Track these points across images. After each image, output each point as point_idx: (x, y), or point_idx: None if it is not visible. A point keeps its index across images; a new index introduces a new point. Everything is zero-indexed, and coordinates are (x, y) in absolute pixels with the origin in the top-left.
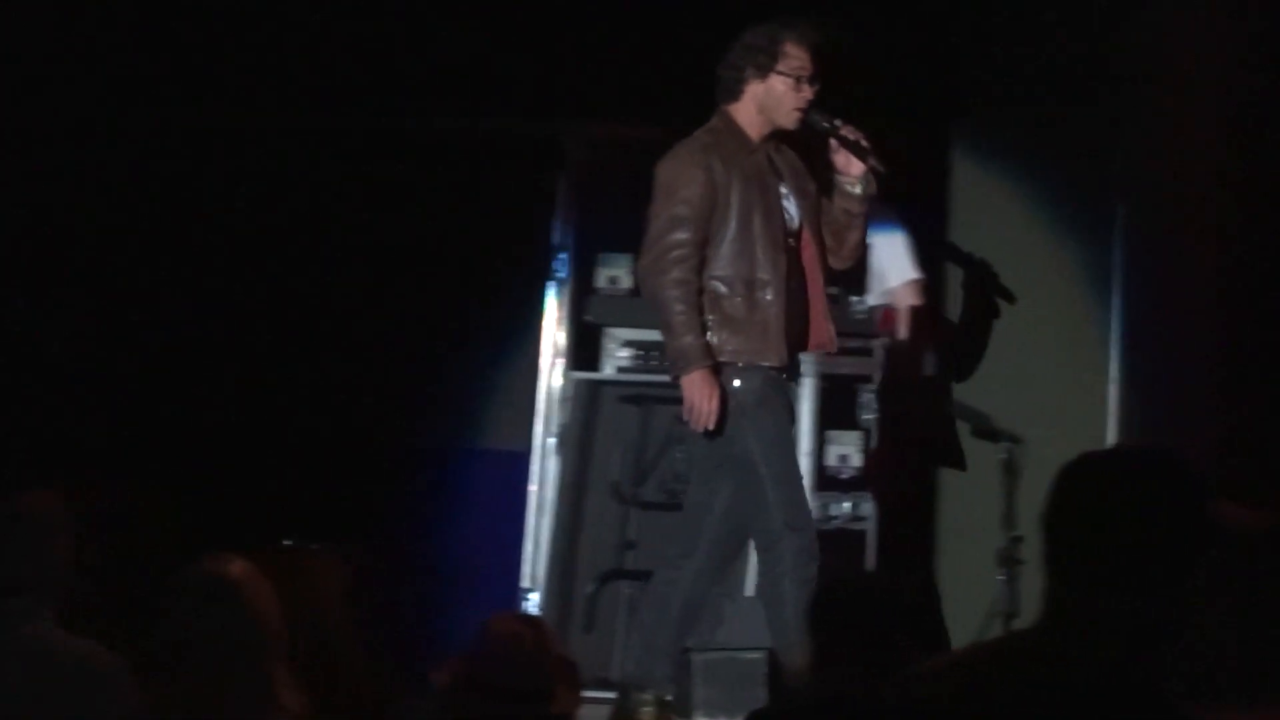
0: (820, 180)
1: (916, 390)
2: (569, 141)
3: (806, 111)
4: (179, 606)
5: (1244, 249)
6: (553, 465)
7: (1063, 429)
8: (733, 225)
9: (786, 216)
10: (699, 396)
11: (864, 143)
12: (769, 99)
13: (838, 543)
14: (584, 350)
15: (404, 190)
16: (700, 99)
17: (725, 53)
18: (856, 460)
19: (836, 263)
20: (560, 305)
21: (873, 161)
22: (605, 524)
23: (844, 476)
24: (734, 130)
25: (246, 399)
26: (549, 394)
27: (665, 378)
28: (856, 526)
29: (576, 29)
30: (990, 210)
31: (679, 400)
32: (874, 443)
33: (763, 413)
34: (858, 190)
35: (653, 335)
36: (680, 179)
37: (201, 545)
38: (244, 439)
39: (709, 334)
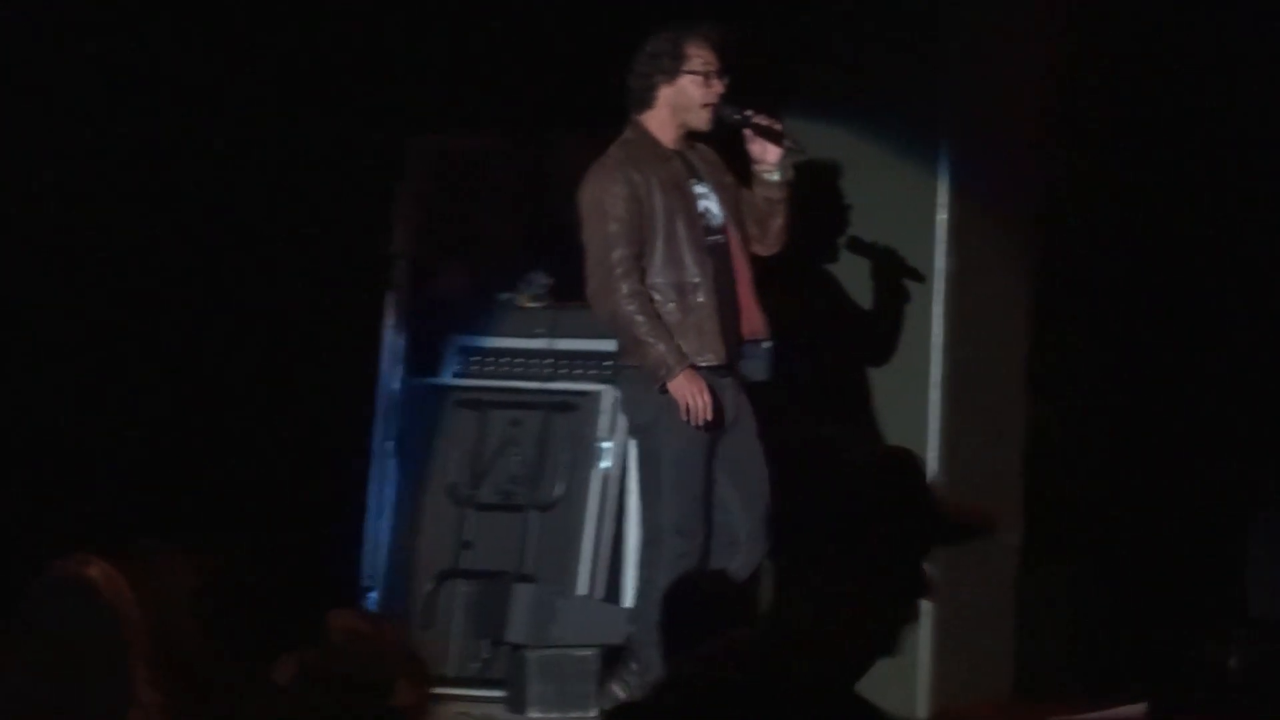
0: (737, 171)
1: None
2: (409, 149)
3: (717, 107)
4: (37, 606)
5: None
6: (391, 468)
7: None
8: (659, 233)
9: (709, 214)
10: (690, 396)
11: (776, 127)
12: (680, 100)
13: None
14: (422, 356)
15: (240, 194)
16: (539, 107)
17: (630, 64)
18: None
19: (763, 249)
20: (398, 311)
21: (788, 143)
22: (442, 525)
23: None
24: (647, 139)
25: (95, 396)
26: (388, 398)
27: (502, 383)
28: None
29: (416, 37)
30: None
31: (517, 405)
32: None
33: (682, 419)
34: (776, 177)
35: (492, 342)
36: (606, 196)
37: (49, 544)
38: (93, 437)
39: None
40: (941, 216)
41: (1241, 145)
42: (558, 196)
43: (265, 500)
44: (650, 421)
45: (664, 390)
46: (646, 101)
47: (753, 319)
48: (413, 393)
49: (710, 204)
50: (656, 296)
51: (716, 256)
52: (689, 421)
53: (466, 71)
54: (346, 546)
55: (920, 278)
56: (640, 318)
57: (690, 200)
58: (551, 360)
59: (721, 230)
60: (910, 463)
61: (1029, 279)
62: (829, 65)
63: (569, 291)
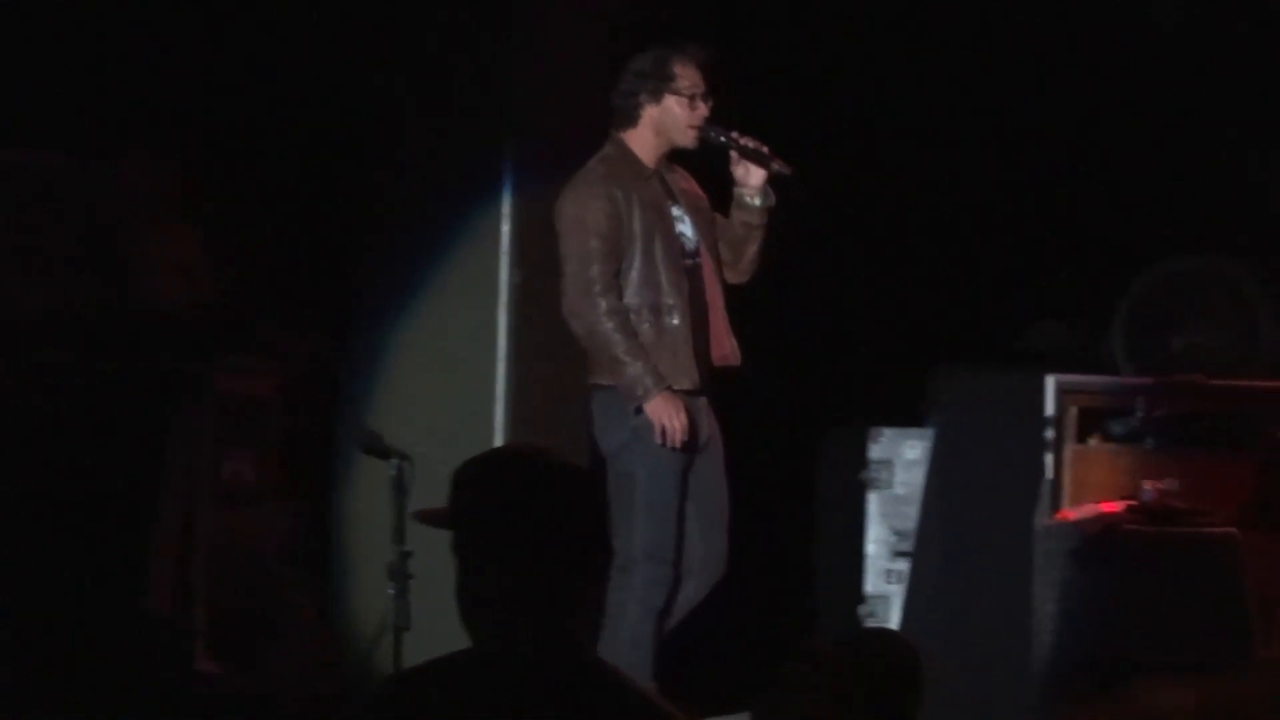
0: (712, 196)
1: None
2: None
3: (701, 128)
4: None
5: None
6: None
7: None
8: (637, 253)
9: (684, 238)
10: (667, 418)
11: (763, 149)
12: (665, 120)
13: None
14: None
15: None
16: (105, 123)
17: (616, 81)
18: (250, 476)
19: (734, 277)
20: None
21: (776, 166)
22: None
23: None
24: (628, 157)
25: None
26: None
27: None
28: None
29: None
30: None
31: None
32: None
33: (655, 438)
34: (758, 202)
35: None
36: (587, 212)
37: None
38: None
39: None
40: (505, 228)
41: (836, 142)
42: (122, 215)
43: None
44: (623, 445)
45: (639, 411)
46: (631, 120)
47: (723, 345)
48: None
49: (685, 227)
50: (632, 316)
51: (691, 280)
52: (664, 444)
53: (30, 86)
54: None
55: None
56: (618, 335)
57: (669, 221)
58: None
59: (696, 254)
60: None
61: None
62: (401, 79)
63: None
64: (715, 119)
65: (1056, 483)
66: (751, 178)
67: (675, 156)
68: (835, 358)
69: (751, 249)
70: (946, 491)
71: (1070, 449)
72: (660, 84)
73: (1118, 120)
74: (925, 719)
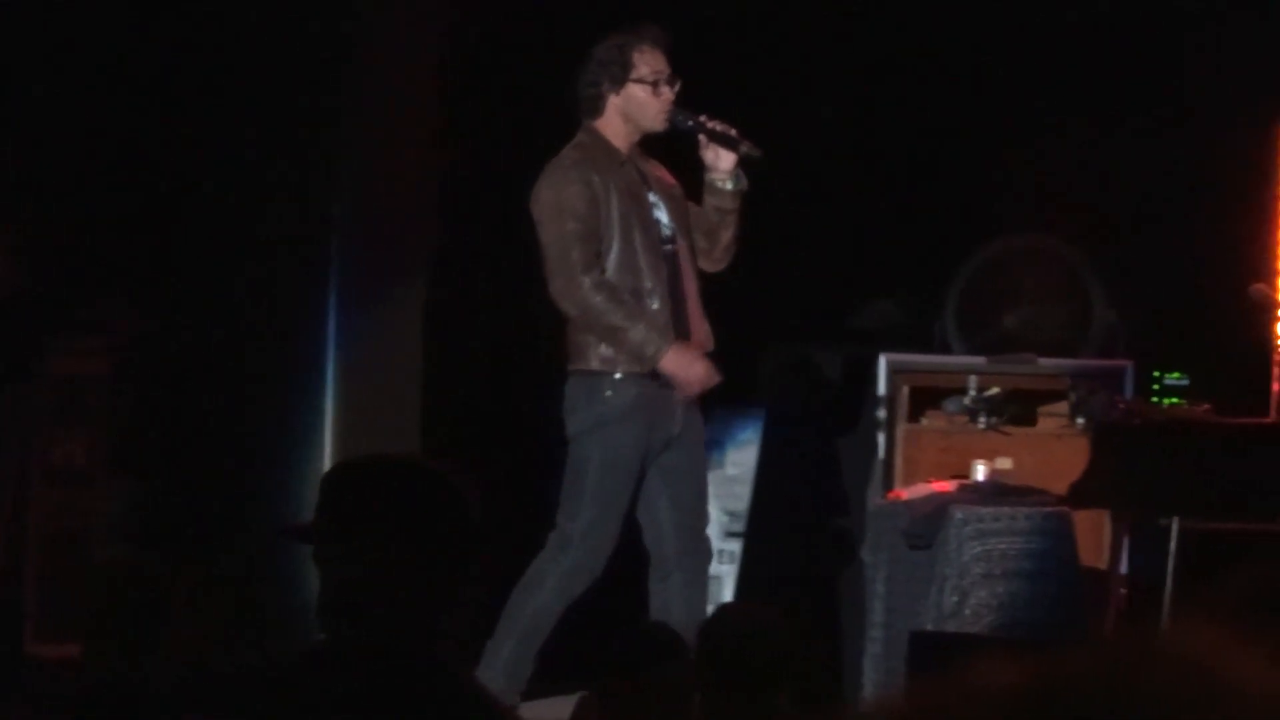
0: (685, 182)
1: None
2: None
3: (670, 112)
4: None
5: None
6: None
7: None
8: (616, 238)
9: (660, 224)
10: (683, 369)
11: (732, 133)
12: (631, 107)
13: None
14: None
15: None
16: None
17: (577, 72)
18: (81, 457)
19: (709, 265)
20: None
21: (745, 149)
22: None
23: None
24: (601, 144)
25: None
26: None
27: None
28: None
29: None
30: None
31: None
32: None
33: (619, 430)
34: (729, 186)
35: None
36: (565, 197)
37: None
38: None
39: (602, 345)
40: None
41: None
42: None
43: None
44: (586, 430)
45: (655, 375)
46: (596, 109)
47: (699, 331)
48: None
49: (661, 214)
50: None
51: (668, 266)
52: (623, 432)
53: None
54: None
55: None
56: (611, 304)
57: (645, 207)
58: None
59: (672, 241)
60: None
61: (420, 281)
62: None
63: None
64: (682, 102)
65: (889, 462)
66: (722, 161)
67: (646, 145)
68: None
69: (727, 234)
70: (779, 471)
71: (902, 428)
72: (621, 71)
73: (949, 100)
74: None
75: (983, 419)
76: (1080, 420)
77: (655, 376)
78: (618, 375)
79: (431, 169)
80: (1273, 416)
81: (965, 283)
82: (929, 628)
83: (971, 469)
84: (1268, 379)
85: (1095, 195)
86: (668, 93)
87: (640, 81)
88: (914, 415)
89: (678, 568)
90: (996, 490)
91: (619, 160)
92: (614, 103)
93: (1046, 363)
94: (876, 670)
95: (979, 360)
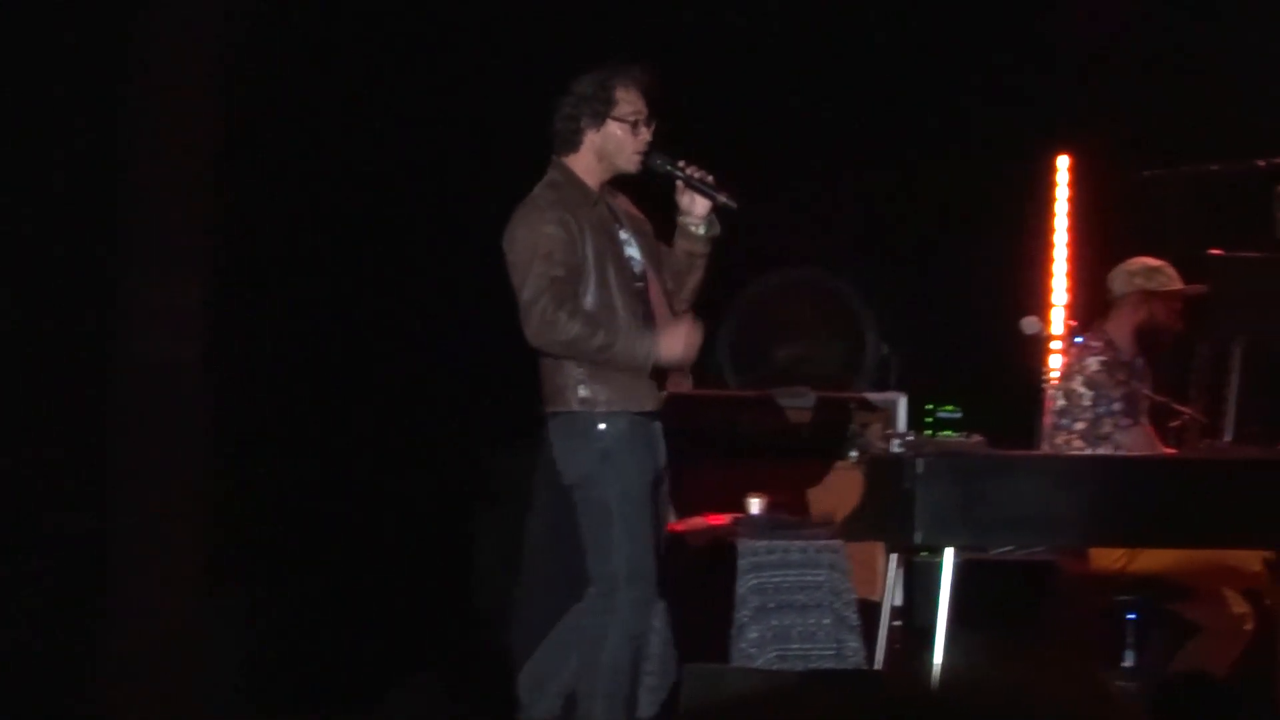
0: (655, 223)
1: None
2: None
3: (646, 154)
4: None
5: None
6: None
7: None
8: (592, 277)
9: (632, 261)
10: (683, 348)
11: (709, 179)
12: (608, 146)
13: None
14: None
15: None
16: None
17: (555, 104)
18: None
19: (675, 305)
20: None
21: (723, 198)
22: None
23: None
24: (574, 182)
25: None
26: None
27: None
28: None
29: None
30: None
31: None
32: None
33: (625, 459)
34: (702, 231)
35: None
36: (540, 238)
37: None
38: None
39: (580, 387)
40: None
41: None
42: None
43: None
44: (591, 472)
45: (660, 372)
46: (573, 144)
47: (673, 372)
48: None
49: (633, 250)
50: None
51: (641, 304)
52: (629, 461)
53: None
54: None
55: None
56: (588, 329)
57: (618, 245)
58: None
59: (643, 277)
60: None
61: (201, 295)
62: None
63: None
64: (658, 144)
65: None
66: (697, 207)
67: (616, 181)
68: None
69: (694, 278)
70: (555, 504)
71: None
72: (602, 108)
73: (722, 131)
74: None
75: (756, 452)
76: (854, 453)
77: (638, 411)
78: (600, 410)
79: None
80: (1043, 448)
81: (738, 316)
82: (711, 658)
83: (746, 501)
84: (1038, 411)
85: (868, 228)
86: (645, 134)
87: (620, 120)
88: (692, 450)
89: (626, 586)
90: (771, 523)
91: (591, 199)
92: (591, 139)
93: (821, 396)
94: (653, 704)
95: (753, 393)
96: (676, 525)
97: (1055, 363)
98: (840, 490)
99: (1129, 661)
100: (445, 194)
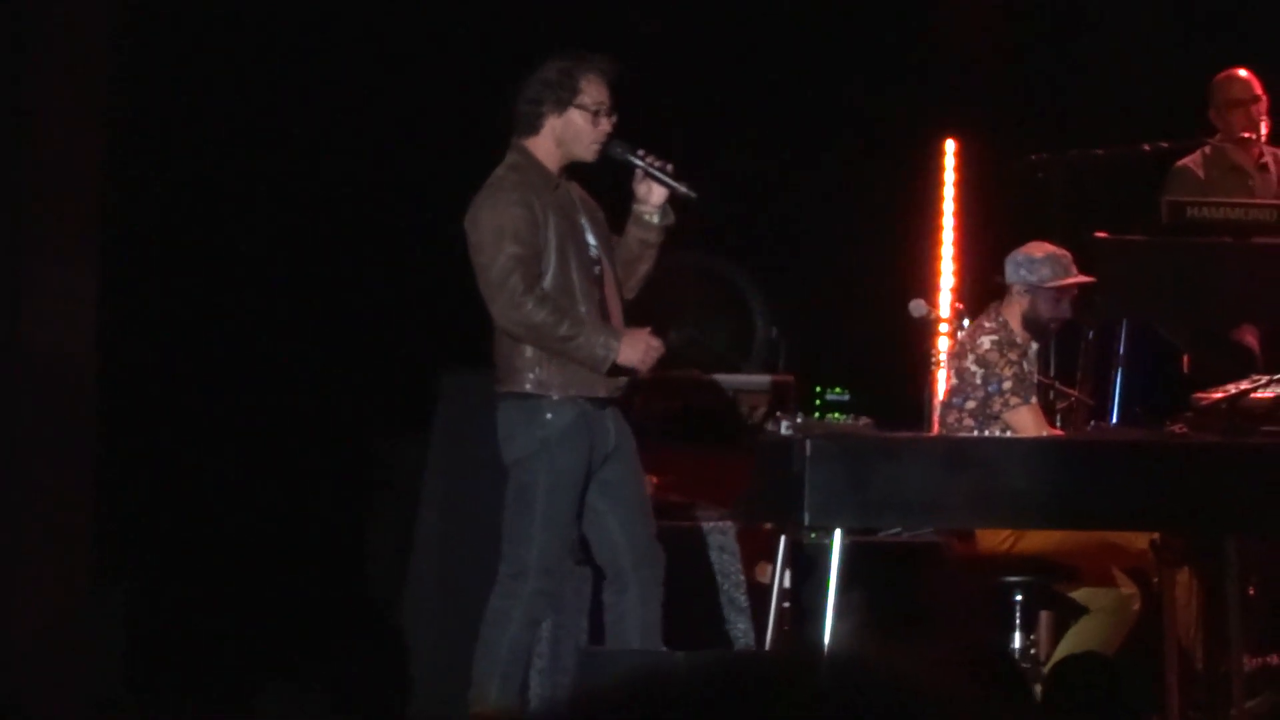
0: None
1: None
2: None
3: (606, 144)
4: None
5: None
6: None
7: None
8: (552, 260)
9: (590, 246)
10: (640, 355)
11: (668, 168)
12: (568, 133)
13: None
14: None
15: None
16: None
17: (520, 86)
18: None
19: (624, 293)
20: None
21: (683, 189)
22: None
23: None
24: (534, 165)
25: None
26: None
27: None
28: None
29: None
30: None
31: None
32: None
33: (563, 451)
34: (656, 220)
35: None
36: (505, 220)
37: None
38: None
39: (535, 369)
40: None
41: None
42: None
43: None
44: (529, 455)
45: (616, 370)
46: (533, 128)
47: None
48: None
49: (590, 236)
50: None
51: (598, 289)
52: (568, 452)
53: None
54: None
55: None
56: (554, 317)
57: (579, 230)
58: None
59: (598, 263)
60: None
61: (91, 284)
62: None
63: None
64: (618, 135)
65: None
66: (654, 196)
67: (570, 169)
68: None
69: (644, 268)
70: (445, 492)
71: None
72: (565, 95)
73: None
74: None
75: (646, 435)
76: (743, 436)
77: (591, 397)
78: (555, 397)
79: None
80: (936, 427)
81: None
82: (596, 641)
83: None
84: (927, 394)
85: (756, 212)
86: (605, 124)
87: (582, 108)
88: None
89: (635, 580)
90: (661, 506)
91: (552, 183)
92: (552, 124)
93: (709, 379)
94: (543, 686)
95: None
96: None
97: (943, 345)
98: (730, 472)
99: (1016, 642)
100: (335, 179)
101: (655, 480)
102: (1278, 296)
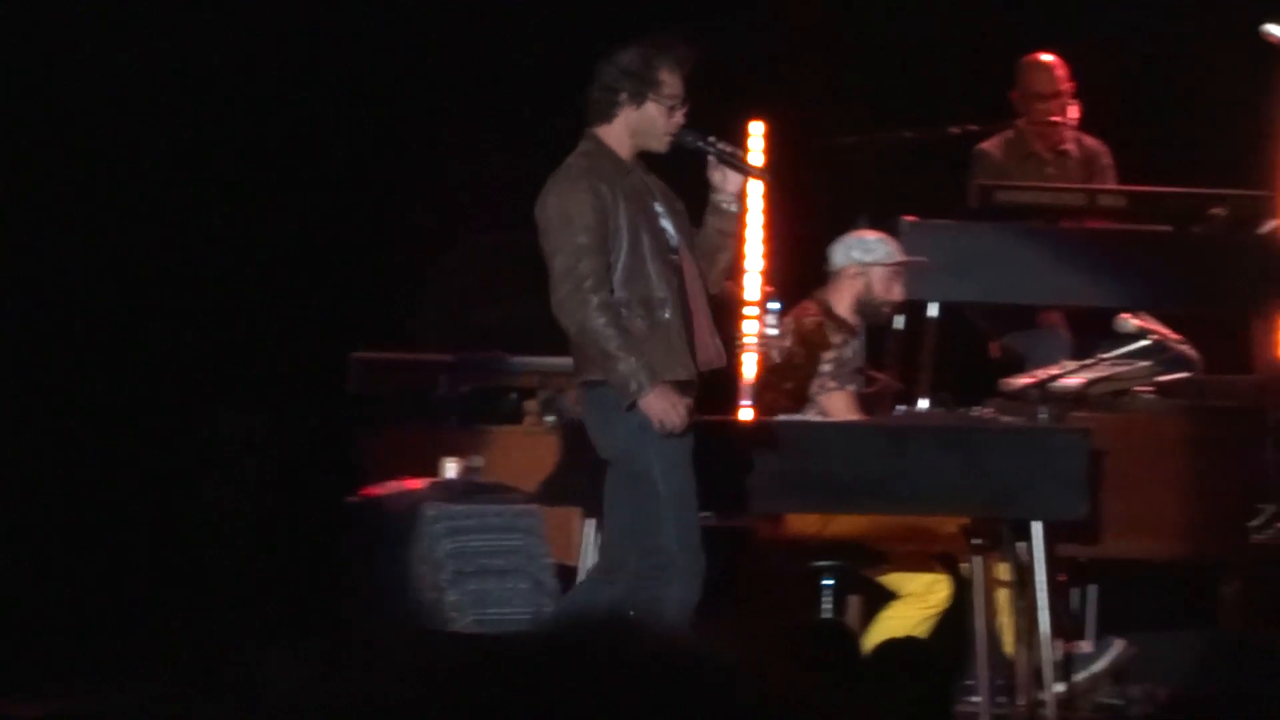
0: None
1: None
2: None
3: (677, 134)
4: None
5: None
6: None
7: None
8: (624, 246)
9: (666, 233)
10: (662, 412)
11: (740, 154)
12: (642, 124)
13: None
14: None
15: None
16: None
17: (595, 71)
18: None
19: (709, 285)
20: None
21: (756, 170)
22: None
23: None
24: (606, 152)
25: None
26: None
27: None
28: None
29: None
30: None
31: None
32: None
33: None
34: (734, 208)
35: None
36: (573, 208)
37: None
38: None
39: None
40: None
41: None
42: None
43: None
44: (629, 446)
45: (631, 407)
46: (607, 116)
47: (707, 348)
48: None
49: (667, 224)
50: (622, 310)
51: (677, 277)
52: (669, 436)
53: None
54: None
55: None
56: (611, 331)
57: (653, 216)
58: None
59: (677, 252)
60: None
61: None
62: None
63: None
64: (690, 124)
65: (361, 461)
66: (729, 184)
67: (647, 159)
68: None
69: (725, 257)
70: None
71: (375, 426)
72: (644, 87)
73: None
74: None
75: (453, 416)
76: (550, 418)
77: (673, 379)
78: None
79: None
80: (749, 411)
81: (437, 280)
82: (412, 621)
83: (441, 466)
84: (734, 377)
85: None
86: (679, 115)
87: (660, 101)
88: (386, 414)
89: (679, 557)
90: (468, 488)
91: (625, 169)
92: (626, 114)
93: (517, 360)
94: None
95: (448, 357)
96: (373, 489)
97: (750, 328)
98: (538, 454)
99: None
100: (178, 146)
101: (462, 461)
102: (1086, 280)
